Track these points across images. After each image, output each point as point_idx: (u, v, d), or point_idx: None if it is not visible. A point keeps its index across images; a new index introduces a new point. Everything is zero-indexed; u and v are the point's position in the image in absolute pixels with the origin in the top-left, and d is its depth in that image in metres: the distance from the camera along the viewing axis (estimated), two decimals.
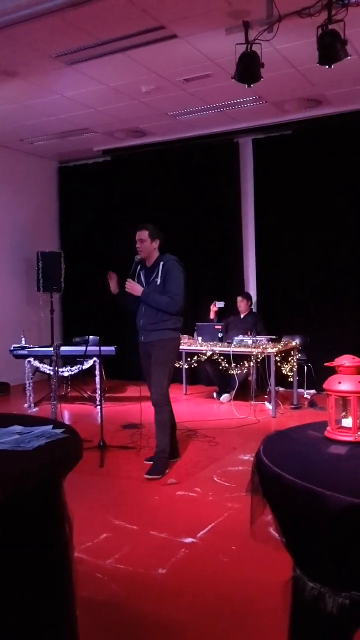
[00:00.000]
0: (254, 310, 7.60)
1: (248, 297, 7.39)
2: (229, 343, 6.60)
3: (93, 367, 6.63)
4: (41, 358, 6.75)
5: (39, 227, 9.02)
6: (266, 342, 6.37)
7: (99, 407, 5.84)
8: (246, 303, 7.30)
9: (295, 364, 6.58)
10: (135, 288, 4.31)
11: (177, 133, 7.92)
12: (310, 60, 4.60)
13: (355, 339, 6.83)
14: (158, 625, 2.45)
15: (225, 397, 7.01)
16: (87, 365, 6.65)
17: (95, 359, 6.56)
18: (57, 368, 5.54)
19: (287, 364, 6.48)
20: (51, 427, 1.89)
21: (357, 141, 7.04)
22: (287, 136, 7.56)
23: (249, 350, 6.30)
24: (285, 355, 6.49)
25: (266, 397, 6.61)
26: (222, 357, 6.66)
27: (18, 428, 1.89)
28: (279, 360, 6.33)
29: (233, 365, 6.48)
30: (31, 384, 6.81)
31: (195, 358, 7.08)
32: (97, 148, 8.67)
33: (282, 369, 6.43)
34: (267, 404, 6.59)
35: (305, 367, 6.97)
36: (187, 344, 6.70)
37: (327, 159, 7.21)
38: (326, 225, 7.26)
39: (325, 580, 1.42)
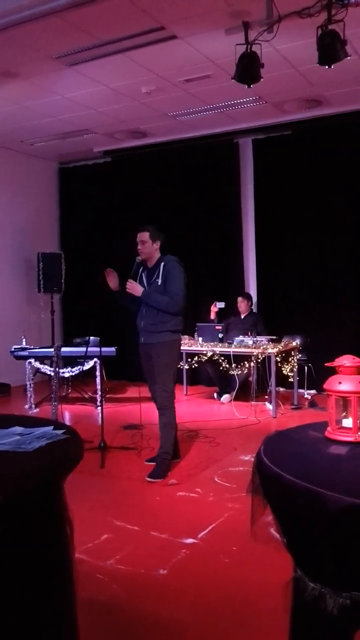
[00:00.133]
0: (254, 310, 7.60)
1: (248, 297, 7.39)
2: (229, 343, 6.60)
3: (93, 368, 6.64)
4: (42, 359, 6.75)
5: (39, 228, 9.03)
6: (266, 342, 6.37)
7: (99, 408, 5.84)
8: (246, 303, 7.30)
9: (295, 364, 6.58)
10: (135, 288, 4.31)
11: (177, 133, 7.91)
12: (310, 60, 4.60)
13: (355, 339, 6.82)
14: (159, 625, 2.45)
15: (225, 397, 7.01)
16: (88, 365, 6.65)
17: (95, 359, 6.56)
18: (57, 369, 5.53)
19: (287, 364, 6.48)
20: (52, 427, 1.89)
21: (357, 141, 7.04)
22: (287, 136, 7.56)
23: (249, 350, 6.30)
24: (285, 356, 6.49)
25: (266, 397, 6.61)
26: (223, 358, 6.66)
27: (18, 429, 1.90)
28: (279, 360, 6.33)
29: (233, 365, 6.48)
30: (32, 385, 6.81)
31: (196, 358, 7.07)
32: (97, 149, 8.67)
33: (283, 369, 6.43)
34: (267, 404, 6.59)
35: (306, 367, 6.97)
36: (187, 344, 6.69)
37: (327, 159, 7.21)
38: (327, 225, 7.25)
39: (326, 580, 1.42)
